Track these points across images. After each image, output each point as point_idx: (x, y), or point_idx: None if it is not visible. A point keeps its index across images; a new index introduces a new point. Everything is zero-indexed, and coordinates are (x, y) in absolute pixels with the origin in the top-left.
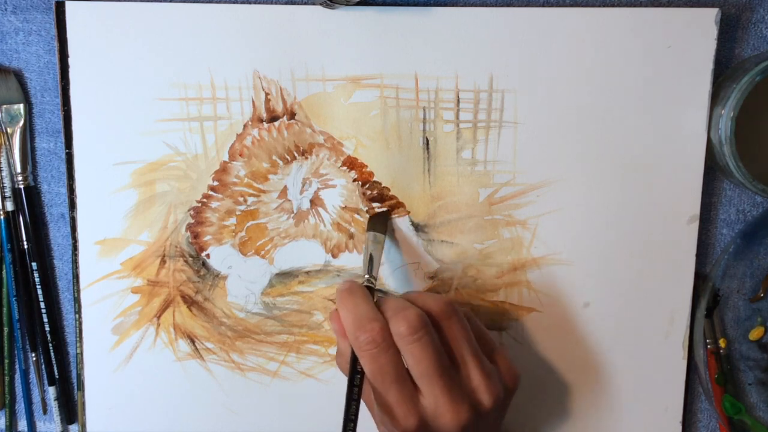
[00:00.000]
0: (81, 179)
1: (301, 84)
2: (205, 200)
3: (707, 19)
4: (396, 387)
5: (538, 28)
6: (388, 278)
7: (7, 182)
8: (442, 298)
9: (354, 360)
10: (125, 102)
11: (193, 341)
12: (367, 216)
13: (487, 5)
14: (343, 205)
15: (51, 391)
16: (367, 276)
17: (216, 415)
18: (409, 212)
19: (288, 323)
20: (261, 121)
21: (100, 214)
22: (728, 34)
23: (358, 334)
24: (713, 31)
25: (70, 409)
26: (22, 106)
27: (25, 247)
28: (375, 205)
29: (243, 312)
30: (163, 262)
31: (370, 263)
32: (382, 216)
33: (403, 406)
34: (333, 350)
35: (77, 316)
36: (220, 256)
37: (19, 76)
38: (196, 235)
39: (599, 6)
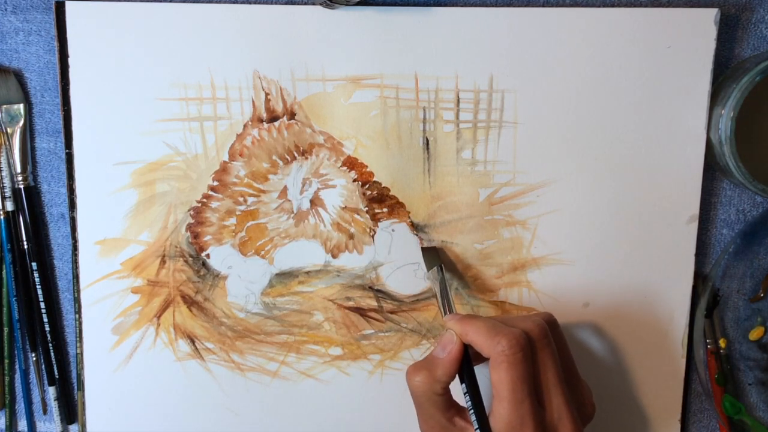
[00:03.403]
0: (81, 179)
1: (301, 84)
2: (205, 200)
3: (707, 19)
4: (531, 399)
5: (538, 28)
6: (389, 278)
7: (7, 182)
8: (542, 312)
9: (474, 386)
10: (125, 102)
11: (193, 341)
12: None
13: (487, 5)
14: (343, 206)
15: (51, 391)
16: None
17: (216, 415)
18: (409, 212)
19: (288, 323)
20: (261, 121)
21: (100, 214)
22: (728, 34)
23: (498, 338)
24: (713, 32)
25: (70, 409)
26: (22, 106)
27: (25, 247)
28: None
29: (243, 312)
30: (163, 262)
31: (446, 299)
32: (431, 250)
33: (535, 417)
34: (333, 350)
35: (77, 316)
36: (220, 256)
37: (19, 76)
38: (196, 235)
39: (599, 6)
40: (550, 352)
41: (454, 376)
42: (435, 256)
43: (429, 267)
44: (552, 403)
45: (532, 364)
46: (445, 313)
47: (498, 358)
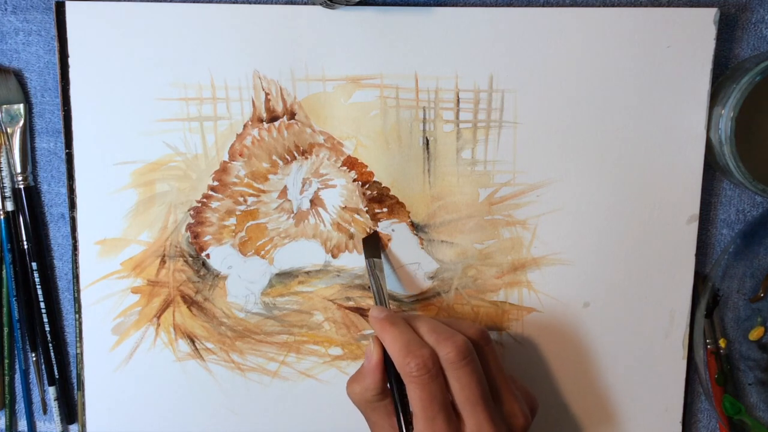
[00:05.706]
0: (81, 179)
1: (301, 84)
2: (205, 200)
3: (706, 19)
4: (443, 414)
5: (538, 28)
6: (389, 278)
7: (7, 182)
8: (477, 325)
9: (400, 391)
10: (125, 102)
11: (193, 341)
12: (364, 234)
13: (487, 5)
14: (343, 205)
15: (51, 391)
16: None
17: (216, 415)
18: (409, 212)
19: (288, 323)
20: (261, 121)
21: (100, 214)
22: (727, 34)
23: (408, 360)
24: (712, 31)
25: (70, 409)
26: (22, 106)
27: (25, 247)
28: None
29: (243, 312)
30: (163, 262)
31: (379, 292)
32: (372, 238)
33: None
34: (333, 351)
35: (77, 316)
36: (220, 256)
37: (19, 76)
38: (196, 235)
39: (599, 6)
40: (469, 371)
41: (383, 383)
42: (375, 247)
43: (367, 255)
44: (470, 419)
45: (447, 382)
46: (376, 303)
47: (407, 378)
